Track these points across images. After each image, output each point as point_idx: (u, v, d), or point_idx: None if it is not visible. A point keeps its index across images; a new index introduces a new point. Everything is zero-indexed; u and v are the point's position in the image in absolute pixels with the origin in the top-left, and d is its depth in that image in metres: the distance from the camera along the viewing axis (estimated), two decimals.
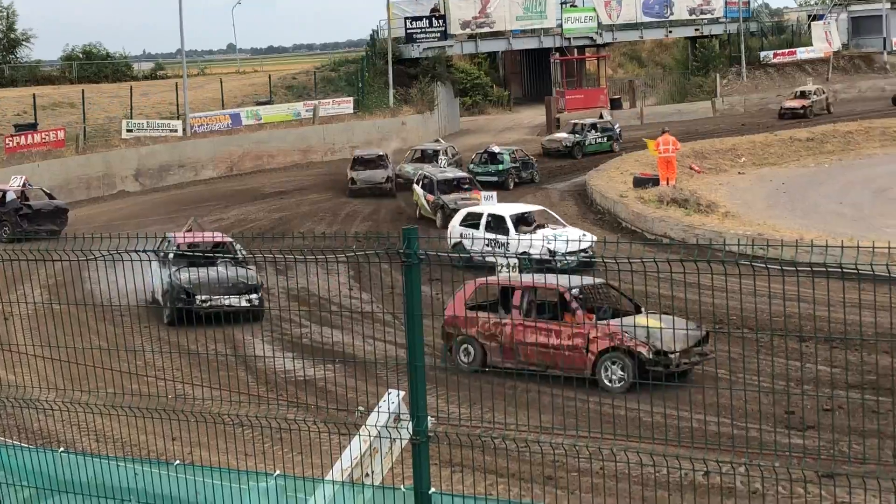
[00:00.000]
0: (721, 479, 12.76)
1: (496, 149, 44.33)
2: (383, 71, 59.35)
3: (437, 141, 50.16)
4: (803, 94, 60.26)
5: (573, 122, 53.26)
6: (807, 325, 17.60)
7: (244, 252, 21.95)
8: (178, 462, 7.63)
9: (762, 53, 67.80)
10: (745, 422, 14.72)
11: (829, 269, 7.23)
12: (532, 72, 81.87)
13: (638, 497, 13.21)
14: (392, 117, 58.21)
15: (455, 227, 29.68)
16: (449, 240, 28.35)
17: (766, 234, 27.69)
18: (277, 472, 7.27)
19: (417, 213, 37.18)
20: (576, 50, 68.47)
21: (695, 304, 17.93)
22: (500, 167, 42.84)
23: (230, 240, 24.76)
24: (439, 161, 43.82)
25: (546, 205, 38.60)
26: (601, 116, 56.20)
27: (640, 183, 37.61)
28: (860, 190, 37.82)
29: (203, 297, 22.40)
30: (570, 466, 13.90)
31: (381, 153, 45.47)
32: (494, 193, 32.26)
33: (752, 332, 16.67)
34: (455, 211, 32.73)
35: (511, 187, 42.08)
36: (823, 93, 60.70)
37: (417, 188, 37.69)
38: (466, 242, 28.45)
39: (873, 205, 35.30)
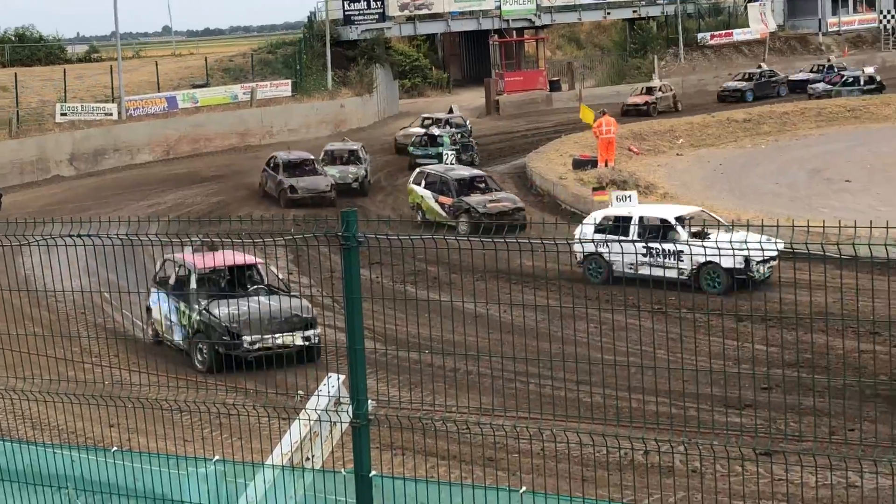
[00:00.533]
0: (660, 458, 12.86)
1: (436, 131, 44.28)
2: (321, 53, 59.00)
3: (344, 140, 46.17)
4: (649, 91, 56.84)
5: (424, 116, 50.17)
6: (744, 305, 17.78)
7: (280, 276, 20.25)
8: (115, 449, 7.55)
9: (699, 35, 68.25)
10: (682, 401, 14.85)
11: (766, 249, 7.30)
12: (471, 54, 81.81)
13: (578, 477, 13.28)
14: (331, 100, 57.92)
15: (587, 234, 23.69)
16: (579, 252, 23.96)
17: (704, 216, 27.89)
18: (217, 457, 7.22)
19: (419, 217, 31.99)
20: (514, 32, 68.50)
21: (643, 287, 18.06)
22: (441, 149, 42.81)
23: (260, 261, 20.57)
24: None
25: None
26: (450, 111, 51.38)
27: (579, 165, 37.77)
28: (796, 170, 38.23)
29: (252, 339, 18.49)
30: (512, 448, 13.96)
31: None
32: (633, 193, 26.76)
33: (691, 312, 16.82)
34: (486, 216, 29.31)
35: None
36: (671, 89, 57.43)
37: (419, 189, 32.80)
38: (605, 252, 23.68)
39: (809, 185, 35.71)
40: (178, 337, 20.04)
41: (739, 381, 16.04)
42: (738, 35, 68.94)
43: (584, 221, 24.75)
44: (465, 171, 34.02)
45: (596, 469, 13.21)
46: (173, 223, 18.31)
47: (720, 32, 69.00)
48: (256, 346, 18.23)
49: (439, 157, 42.35)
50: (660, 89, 57.00)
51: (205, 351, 19.09)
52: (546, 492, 6.20)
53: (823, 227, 6.73)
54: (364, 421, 6.54)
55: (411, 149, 43.62)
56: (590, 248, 23.61)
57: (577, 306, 19.53)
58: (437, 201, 31.89)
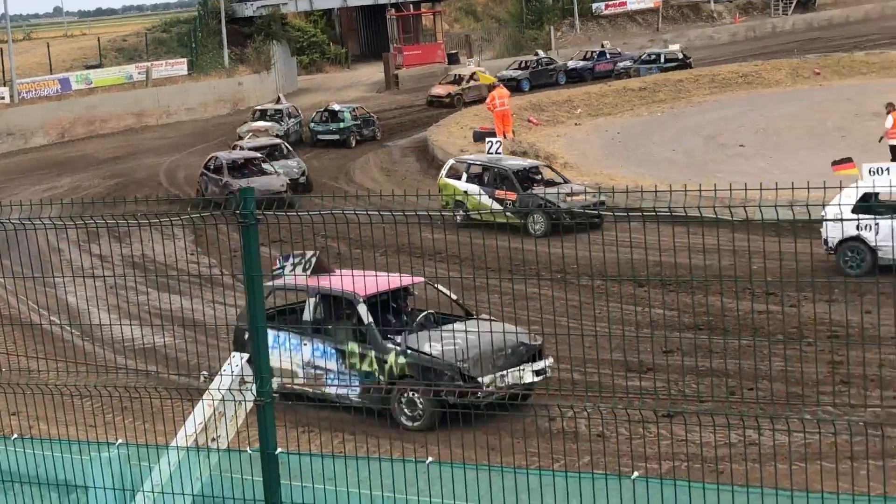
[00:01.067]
0: (563, 424, 13.05)
1: (336, 106, 44.08)
2: (216, 31, 58.33)
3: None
4: (458, 79, 51.83)
5: (256, 108, 46.26)
6: (643, 270, 18.03)
7: (448, 292, 15.87)
8: (16, 436, 7.46)
9: (594, 5, 68.79)
10: (584, 367, 15.07)
11: (659, 214, 7.44)
12: (369, 28, 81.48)
13: (484, 446, 13.40)
14: (228, 78, 57.33)
15: (846, 213, 19.89)
16: (832, 238, 20.62)
17: (603, 183, 28.24)
18: (120, 441, 7.17)
19: (459, 216, 25.96)
20: (412, 5, 68.39)
21: (543, 255, 18.21)
22: (342, 125, 42.62)
23: (421, 280, 16.52)
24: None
25: (387, 162, 38.72)
26: (278, 100, 47.46)
27: (479, 137, 37.89)
28: (692, 137, 38.79)
29: (489, 379, 14.54)
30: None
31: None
32: (890, 164, 22.26)
33: (591, 279, 17.03)
34: (568, 212, 25.04)
35: (353, 145, 41.95)
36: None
37: (459, 183, 27.96)
38: (869, 236, 20.28)
39: (705, 151, 36.26)
40: (347, 391, 15.36)
41: (638, 345, 16.30)
42: (633, 4, 69.63)
43: (831, 201, 19.51)
44: (518, 161, 29.27)
45: (501, 438, 13.34)
46: (67, 205, 17.36)
47: (614, 2, 69.63)
48: (494, 389, 14.34)
49: (341, 133, 42.20)
50: (471, 77, 51.62)
51: (420, 403, 14.63)
52: (452, 461, 6.27)
53: (715, 190, 6.87)
54: (268, 399, 6.55)
55: (311, 125, 43.39)
56: (848, 231, 19.85)
57: (478, 278, 19.68)
58: (491, 197, 26.93)
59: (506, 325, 15.17)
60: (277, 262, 13.74)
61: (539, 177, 27.88)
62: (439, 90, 51.22)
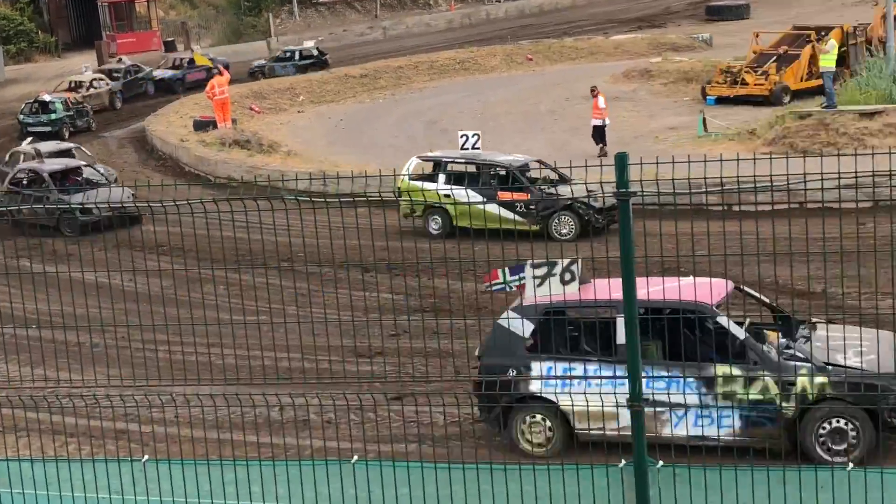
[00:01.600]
0: (295, 413, 13.00)
1: (47, 97, 42.28)
2: None
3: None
4: (76, 86, 46.22)
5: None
6: (369, 256, 18.15)
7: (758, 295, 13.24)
8: None
9: None
10: (315, 354, 15.06)
11: (385, 200, 7.49)
12: (80, 16, 78.53)
13: (214, 441, 13.22)
14: None
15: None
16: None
17: (328, 170, 28.28)
18: None
19: (435, 227, 23.56)
20: None
21: (269, 245, 18.05)
22: (53, 116, 40.95)
23: (731, 285, 13.21)
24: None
25: (104, 154, 37.49)
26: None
27: (200, 126, 37.25)
28: (413, 122, 39.34)
29: None
30: (144, 418, 13.70)
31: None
32: None
33: (319, 266, 17.04)
34: (602, 211, 22.11)
35: (66, 136, 40.36)
36: (106, 84, 46.95)
37: (436, 186, 23.58)
38: None
39: (426, 136, 36.85)
40: (716, 429, 12.22)
41: (368, 329, 16.44)
42: None
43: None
44: (505, 155, 25.57)
45: (232, 430, 13.19)
46: None
47: None
48: None
49: (53, 124, 40.52)
50: (91, 85, 46.54)
51: (852, 430, 12.02)
52: (169, 458, 6.12)
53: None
54: None
55: (21, 117, 41.52)
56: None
57: (203, 269, 19.33)
58: (492, 200, 22.77)
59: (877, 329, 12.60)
60: (501, 274, 11.84)
61: (530, 171, 24.23)
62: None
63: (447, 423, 12.71)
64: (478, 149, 26.01)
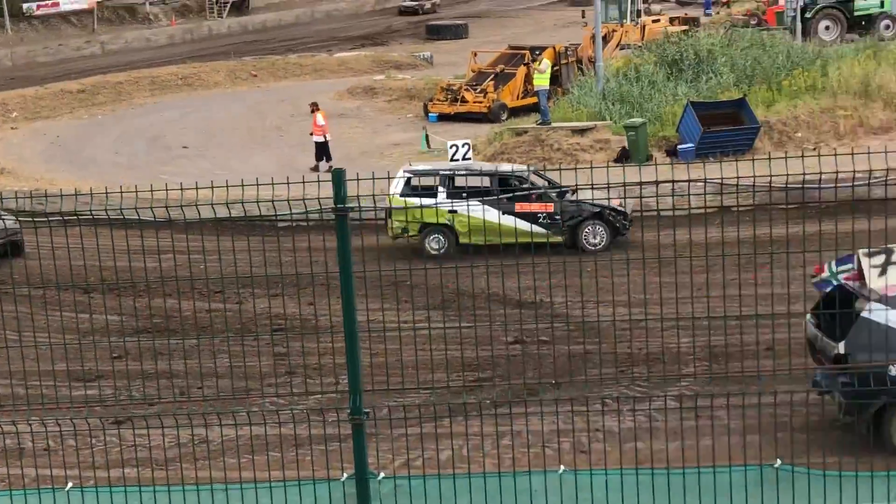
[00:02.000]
0: (5, 441, 12.51)
1: None
2: None
3: None
4: None
5: None
6: (92, 276, 17.67)
7: None
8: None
9: (25, 5, 66.12)
10: (38, 380, 14.54)
11: (98, 218, 7.35)
12: None
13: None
14: None
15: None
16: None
17: (44, 189, 27.35)
18: None
19: (436, 246, 22.49)
20: None
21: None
22: None
23: None
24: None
25: None
26: None
27: None
28: (135, 139, 38.54)
29: None
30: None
31: None
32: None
33: (33, 288, 16.46)
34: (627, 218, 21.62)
35: None
36: None
37: (435, 201, 21.82)
38: None
39: (149, 153, 36.20)
40: None
41: (94, 352, 15.98)
42: (66, 4, 67.62)
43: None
44: (506, 165, 25.03)
45: (23, 458, 12.59)
46: None
47: (46, 2, 67.29)
48: None
49: None
50: None
51: None
52: None
53: (166, 189, 6.92)
54: None
55: None
56: None
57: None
58: (509, 212, 21.68)
59: None
60: (827, 267, 10.90)
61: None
62: None
63: (168, 445, 12.51)
64: (468, 159, 24.59)
